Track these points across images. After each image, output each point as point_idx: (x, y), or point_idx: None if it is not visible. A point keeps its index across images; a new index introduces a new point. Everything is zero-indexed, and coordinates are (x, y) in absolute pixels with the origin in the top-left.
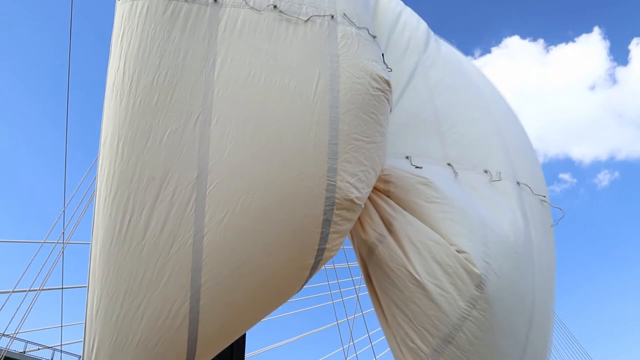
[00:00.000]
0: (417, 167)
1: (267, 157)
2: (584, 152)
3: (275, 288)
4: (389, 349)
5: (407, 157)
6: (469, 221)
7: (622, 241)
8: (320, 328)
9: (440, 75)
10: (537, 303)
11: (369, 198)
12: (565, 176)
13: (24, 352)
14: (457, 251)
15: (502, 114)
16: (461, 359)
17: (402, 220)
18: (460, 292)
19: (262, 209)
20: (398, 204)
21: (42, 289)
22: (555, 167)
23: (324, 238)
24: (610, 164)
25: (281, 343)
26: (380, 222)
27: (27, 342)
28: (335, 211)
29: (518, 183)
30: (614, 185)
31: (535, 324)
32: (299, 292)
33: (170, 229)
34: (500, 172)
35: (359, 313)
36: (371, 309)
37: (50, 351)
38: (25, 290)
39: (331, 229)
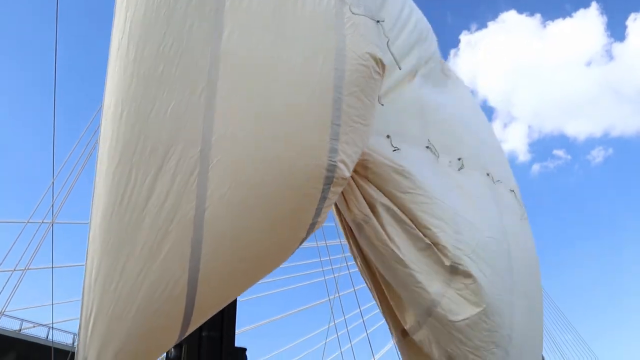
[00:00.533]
0: (395, 148)
1: (271, 134)
2: (578, 128)
3: (269, 258)
4: (378, 325)
5: (387, 136)
6: (442, 211)
7: (615, 218)
8: (311, 305)
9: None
10: (518, 283)
11: (352, 178)
12: (559, 152)
13: (20, 330)
14: (430, 241)
15: (471, 107)
16: (440, 330)
17: (384, 203)
18: (437, 272)
19: (264, 185)
20: (378, 189)
21: (29, 269)
22: (550, 143)
23: (317, 213)
24: (605, 140)
25: (273, 319)
26: (364, 204)
27: (23, 320)
28: (331, 189)
29: (488, 174)
30: (608, 161)
31: (519, 303)
32: (291, 270)
33: (172, 200)
34: (472, 162)
35: (350, 289)
36: (362, 285)
37: (46, 329)
38: (10, 270)
39: (324, 204)
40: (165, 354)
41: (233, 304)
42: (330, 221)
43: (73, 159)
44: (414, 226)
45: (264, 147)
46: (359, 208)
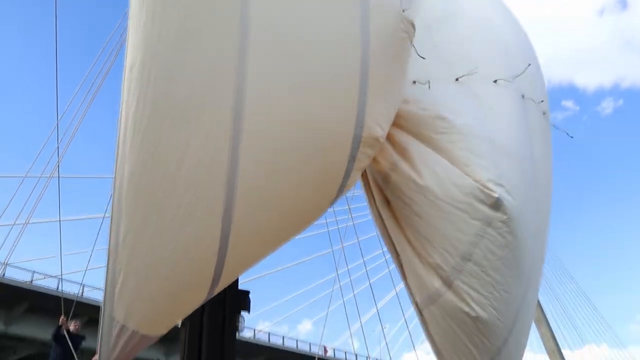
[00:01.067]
0: (426, 88)
1: (302, 94)
2: (588, 79)
3: (299, 220)
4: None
5: (414, 82)
6: (479, 146)
7: (624, 169)
8: (315, 255)
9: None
10: (540, 217)
11: None
12: (568, 103)
13: (31, 281)
14: (472, 178)
15: (500, 17)
16: (479, 274)
17: (417, 147)
18: (477, 211)
19: (295, 146)
20: (410, 135)
21: (29, 222)
22: (559, 94)
23: (347, 174)
24: (615, 91)
25: (278, 269)
26: (391, 150)
27: (34, 272)
28: (361, 148)
29: (523, 96)
30: (617, 113)
31: (540, 234)
32: None
33: (205, 163)
34: (506, 86)
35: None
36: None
37: (56, 280)
38: (10, 224)
39: (355, 166)
40: None
41: None
42: None
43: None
44: (452, 165)
45: (295, 108)
46: (385, 157)
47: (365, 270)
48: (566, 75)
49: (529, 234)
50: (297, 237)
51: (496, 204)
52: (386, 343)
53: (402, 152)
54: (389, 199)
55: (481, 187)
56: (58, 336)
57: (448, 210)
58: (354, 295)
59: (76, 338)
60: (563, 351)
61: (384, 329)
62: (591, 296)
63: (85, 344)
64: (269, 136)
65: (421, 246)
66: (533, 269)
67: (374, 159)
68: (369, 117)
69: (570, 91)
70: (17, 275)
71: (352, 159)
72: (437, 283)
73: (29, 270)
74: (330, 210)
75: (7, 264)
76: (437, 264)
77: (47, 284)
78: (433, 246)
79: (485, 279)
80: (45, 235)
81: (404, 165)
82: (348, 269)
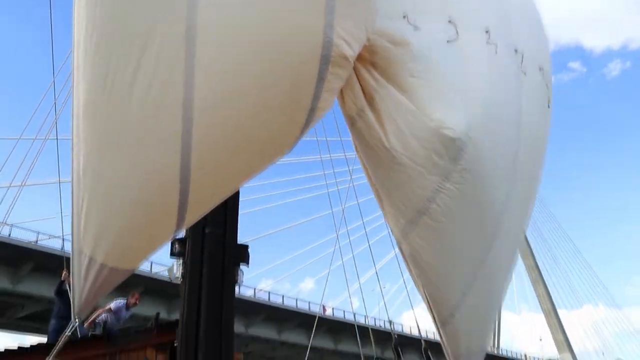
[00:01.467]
0: (414, 27)
1: (261, 12)
2: (596, 40)
3: (266, 149)
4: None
5: (404, 17)
6: (453, 95)
7: (629, 132)
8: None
9: None
10: (520, 177)
11: (353, 68)
12: (574, 65)
13: (36, 241)
14: (436, 126)
15: None
16: (435, 228)
17: (385, 94)
18: (435, 166)
19: (256, 67)
20: (382, 77)
21: (25, 184)
22: (566, 55)
23: (316, 96)
24: (623, 53)
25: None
26: (361, 95)
27: (39, 232)
28: (330, 69)
29: (516, 51)
30: (624, 75)
31: (516, 194)
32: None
33: (158, 86)
34: (497, 36)
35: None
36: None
37: (60, 240)
38: (6, 186)
39: (324, 87)
40: (170, 249)
41: (235, 203)
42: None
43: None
44: (418, 112)
45: (254, 27)
46: (353, 100)
47: (364, 231)
48: (574, 36)
49: (496, 191)
50: (296, 196)
51: (457, 154)
52: (384, 302)
53: (370, 99)
54: (356, 144)
55: (443, 131)
56: (60, 291)
57: (407, 164)
58: (352, 256)
59: None
60: (559, 311)
61: (384, 288)
62: (589, 259)
63: None
64: (227, 52)
65: (384, 195)
66: (500, 227)
67: (343, 101)
68: (337, 36)
69: (578, 52)
70: (22, 236)
71: (321, 79)
72: (397, 233)
73: (33, 231)
74: (330, 171)
75: (12, 225)
76: (395, 215)
77: (52, 244)
78: (392, 198)
79: (441, 233)
80: (49, 196)
81: (369, 113)
82: (347, 230)
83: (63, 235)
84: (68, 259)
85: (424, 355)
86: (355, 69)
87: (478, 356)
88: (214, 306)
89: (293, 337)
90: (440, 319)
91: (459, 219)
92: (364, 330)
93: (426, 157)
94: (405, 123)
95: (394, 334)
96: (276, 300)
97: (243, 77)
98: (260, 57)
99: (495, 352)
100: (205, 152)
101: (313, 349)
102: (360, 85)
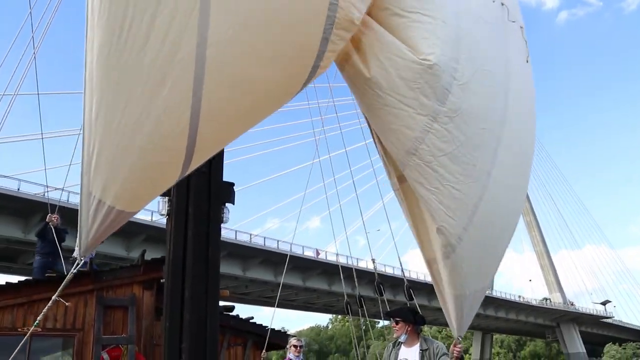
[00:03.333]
0: None
1: None
2: None
3: (270, 100)
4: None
5: None
6: (445, 33)
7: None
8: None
9: None
10: (510, 119)
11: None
12: None
13: (44, 193)
14: (424, 61)
15: None
16: (424, 169)
17: (372, 36)
18: (423, 107)
19: (266, 24)
20: (370, 15)
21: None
22: None
23: (319, 56)
24: None
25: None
26: (348, 41)
27: (20, 180)
28: (334, 30)
29: (502, 4)
30: None
31: (507, 138)
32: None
33: (173, 36)
34: None
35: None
36: None
37: (43, 187)
38: None
39: (328, 48)
40: None
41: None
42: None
43: None
44: (405, 51)
45: None
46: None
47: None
48: None
49: (485, 135)
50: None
51: (442, 97)
52: (369, 247)
53: (357, 42)
54: (350, 89)
55: (429, 77)
56: (43, 233)
57: (393, 105)
58: (340, 206)
59: (60, 231)
60: (552, 253)
61: (377, 231)
62: (586, 200)
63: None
64: (239, 16)
65: (379, 137)
66: (492, 174)
67: None
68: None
69: None
70: (30, 189)
71: (325, 41)
72: (394, 176)
73: (16, 179)
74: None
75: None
76: (384, 159)
77: (55, 195)
78: (383, 136)
79: (431, 174)
80: (32, 149)
81: (355, 57)
82: (351, 170)
83: (47, 184)
84: (53, 206)
85: (405, 293)
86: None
87: (472, 298)
88: (200, 243)
89: (289, 279)
90: (433, 260)
91: (447, 160)
92: (359, 272)
93: (413, 98)
94: (391, 63)
95: (376, 273)
96: (271, 244)
97: (255, 33)
98: (272, 13)
99: (488, 292)
100: (215, 100)
101: (310, 289)
102: None
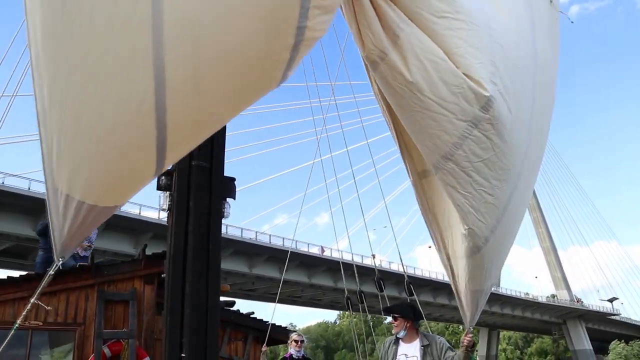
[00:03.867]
0: None
1: None
2: None
3: (251, 75)
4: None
5: None
6: (479, 38)
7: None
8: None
9: None
10: (536, 114)
11: (373, 4)
12: None
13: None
14: (463, 73)
15: None
16: (459, 174)
17: (411, 33)
18: (464, 112)
19: None
20: (404, 13)
21: None
22: None
23: (303, 14)
24: None
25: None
26: (382, 36)
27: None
28: None
29: None
30: None
31: (534, 135)
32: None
33: (125, 4)
34: None
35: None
36: None
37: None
38: None
39: (311, 4)
40: (156, 182)
41: (222, 136)
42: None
43: None
44: (445, 57)
45: None
46: (374, 42)
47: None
48: None
49: (519, 137)
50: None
51: (487, 104)
52: (369, 244)
53: (394, 38)
54: (376, 90)
55: (473, 85)
56: (43, 230)
57: (433, 109)
58: (341, 206)
59: None
60: (559, 250)
61: (385, 227)
62: (601, 197)
63: None
64: None
65: (412, 140)
66: (522, 174)
67: (363, 44)
68: None
69: None
70: (39, 188)
71: None
72: (413, 177)
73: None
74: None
75: (30, 179)
76: (417, 158)
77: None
78: (418, 140)
79: (466, 179)
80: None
81: (393, 55)
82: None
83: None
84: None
85: (406, 288)
86: (375, 4)
87: (486, 293)
88: (200, 238)
89: (295, 276)
90: (457, 256)
91: (484, 165)
92: (364, 269)
93: (454, 102)
94: (432, 65)
95: (376, 269)
96: (276, 242)
97: None
98: None
99: (494, 289)
100: (181, 76)
101: (315, 286)
102: (381, 24)
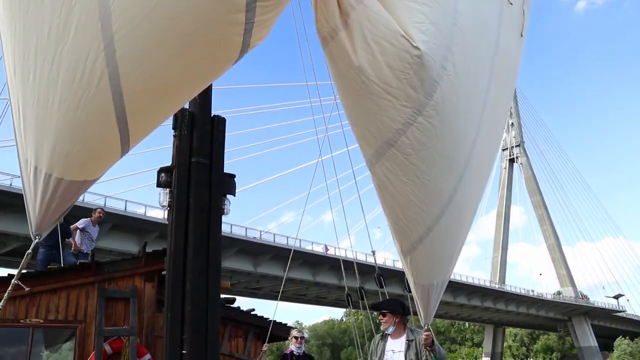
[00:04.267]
0: None
1: None
2: None
3: (205, 39)
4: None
5: None
6: (441, 17)
7: None
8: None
9: None
10: (489, 107)
11: None
12: None
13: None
14: (414, 47)
15: None
16: (402, 161)
17: (362, 12)
18: (409, 98)
19: None
20: None
21: None
22: None
23: None
24: None
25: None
26: (336, 13)
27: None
28: None
29: None
30: None
31: (484, 126)
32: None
33: None
34: None
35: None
36: None
37: None
38: None
39: None
40: (156, 179)
41: (221, 132)
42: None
43: None
44: (397, 36)
45: None
46: (326, 17)
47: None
48: None
49: (466, 127)
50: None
51: (430, 90)
52: (369, 241)
53: (345, 16)
54: (328, 64)
55: (418, 68)
56: None
57: (378, 93)
58: (342, 206)
59: (63, 224)
60: (564, 247)
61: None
62: (608, 195)
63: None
64: None
65: (352, 122)
66: (469, 165)
67: (316, 18)
68: None
69: None
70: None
71: None
72: (366, 162)
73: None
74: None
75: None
76: (362, 144)
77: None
78: (359, 125)
79: (409, 167)
80: None
81: (342, 35)
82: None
83: None
84: None
85: (406, 285)
86: None
87: (439, 288)
88: (201, 235)
89: (298, 274)
90: (403, 250)
91: (428, 154)
92: (367, 267)
93: (400, 88)
94: (379, 49)
95: (377, 266)
96: (280, 241)
97: None
98: None
99: (498, 287)
100: (130, 43)
101: (320, 284)
102: (337, 0)
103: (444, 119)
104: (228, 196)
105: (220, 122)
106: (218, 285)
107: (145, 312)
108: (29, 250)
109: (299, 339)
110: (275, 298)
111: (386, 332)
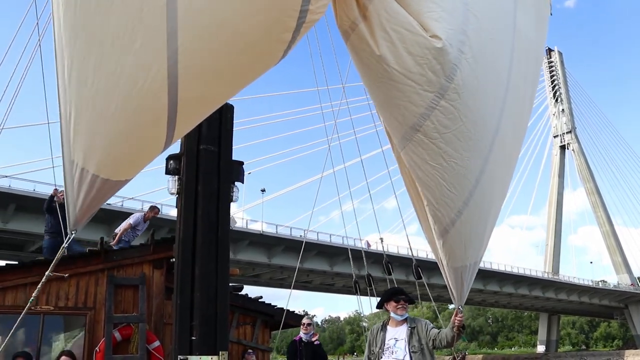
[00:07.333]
0: None
1: None
2: None
3: (256, 53)
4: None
5: None
6: (451, 3)
7: None
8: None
9: None
10: (512, 88)
11: None
12: None
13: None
14: (431, 37)
15: None
16: (428, 145)
17: (379, 3)
18: (430, 83)
19: None
20: None
21: None
22: None
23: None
24: None
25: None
26: (354, 7)
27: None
28: None
29: None
30: None
31: (508, 108)
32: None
33: None
34: None
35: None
36: None
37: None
38: None
39: None
40: (165, 166)
41: (229, 119)
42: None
43: None
44: (414, 25)
45: None
46: (346, 11)
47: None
48: None
49: (489, 108)
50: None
51: (450, 73)
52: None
53: (363, 9)
54: (352, 57)
55: (437, 52)
56: (50, 207)
57: (399, 80)
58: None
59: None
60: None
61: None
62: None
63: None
64: None
65: (380, 112)
66: (494, 146)
67: (336, 15)
68: None
69: None
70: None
71: None
72: (394, 150)
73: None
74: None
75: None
76: (388, 131)
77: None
78: (387, 112)
79: (435, 150)
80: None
81: (362, 27)
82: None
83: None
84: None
85: (414, 272)
86: None
87: (471, 269)
88: (209, 222)
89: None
90: (436, 234)
91: (453, 136)
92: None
93: (420, 73)
94: (398, 37)
95: (385, 253)
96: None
97: None
98: None
99: (552, 277)
100: (193, 56)
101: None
102: None
103: (466, 101)
104: (237, 183)
105: (229, 109)
106: (227, 272)
107: (154, 299)
108: (65, 244)
109: (306, 325)
110: (326, 291)
111: (402, 317)
